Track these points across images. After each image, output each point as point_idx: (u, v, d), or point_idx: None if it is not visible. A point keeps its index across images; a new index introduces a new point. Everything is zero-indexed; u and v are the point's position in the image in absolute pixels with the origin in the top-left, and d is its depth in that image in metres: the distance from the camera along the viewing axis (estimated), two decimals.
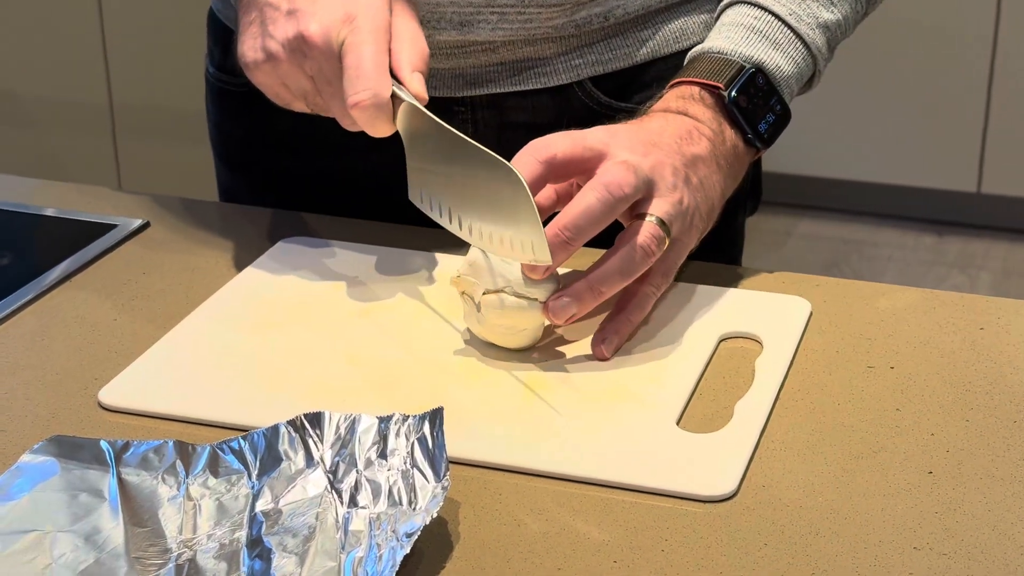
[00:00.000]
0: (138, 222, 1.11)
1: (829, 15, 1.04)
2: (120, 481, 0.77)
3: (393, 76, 0.93)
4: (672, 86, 1.01)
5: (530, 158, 0.91)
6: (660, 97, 1.00)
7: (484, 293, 0.90)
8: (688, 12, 1.12)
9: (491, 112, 1.11)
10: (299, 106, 0.98)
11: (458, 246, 1.06)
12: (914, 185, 3.14)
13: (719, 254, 1.05)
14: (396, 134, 0.95)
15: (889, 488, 0.80)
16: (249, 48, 0.95)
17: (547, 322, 0.91)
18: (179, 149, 2.82)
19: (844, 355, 0.93)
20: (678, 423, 0.85)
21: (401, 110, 0.93)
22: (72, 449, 0.79)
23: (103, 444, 0.79)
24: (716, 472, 0.80)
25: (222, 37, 1.20)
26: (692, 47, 1.11)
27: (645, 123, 0.97)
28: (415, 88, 0.93)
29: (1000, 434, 0.84)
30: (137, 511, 0.76)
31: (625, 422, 0.85)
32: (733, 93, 0.99)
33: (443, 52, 1.07)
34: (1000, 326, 0.96)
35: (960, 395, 0.88)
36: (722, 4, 1.06)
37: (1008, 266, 3.05)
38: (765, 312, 0.96)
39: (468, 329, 0.94)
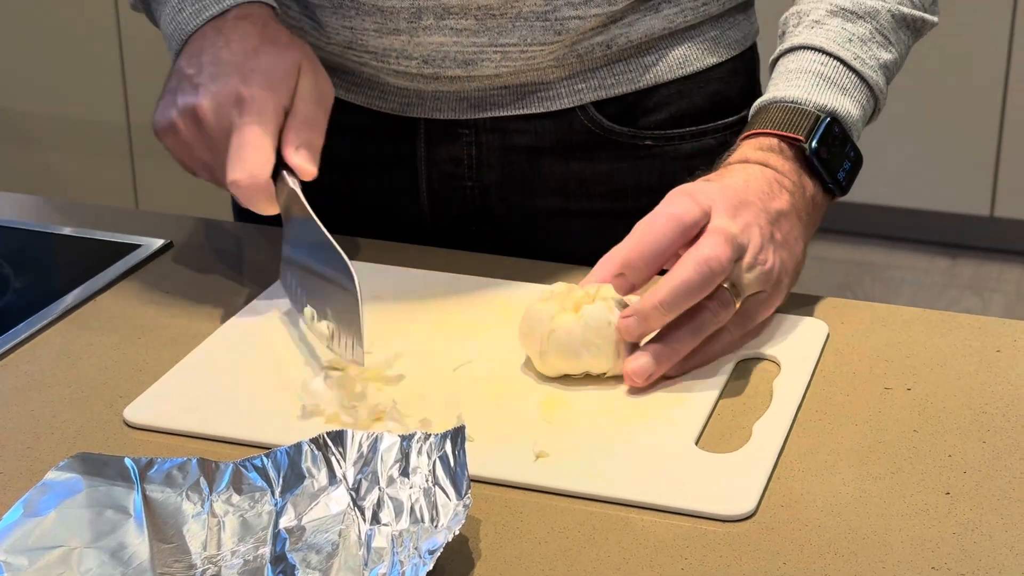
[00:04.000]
0: (160, 242, 1.12)
1: (887, 55, 1.05)
2: (145, 498, 0.78)
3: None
4: (747, 137, 1.01)
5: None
6: (735, 149, 1.01)
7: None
8: (691, 38, 1.12)
9: (495, 135, 1.13)
10: (204, 176, 1.02)
11: (477, 266, 1.07)
12: (927, 208, 3.14)
13: None
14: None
15: (907, 508, 0.80)
16: (158, 113, 1.01)
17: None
18: None
19: (861, 376, 0.93)
20: (697, 443, 0.86)
21: (280, 191, 0.98)
22: (97, 466, 0.79)
23: (127, 461, 0.80)
24: (735, 492, 0.81)
25: None
26: (696, 73, 1.12)
27: (727, 178, 0.97)
28: (297, 162, 0.98)
29: (1017, 455, 0.85)
30: (162, 527, 0.77)
31: (644, 442, 0.86)
32: (814, 144, 0.99)
33: (448, 79, 1.09)
34: (1016, 348, 0.97)
35: (977, 416, 0.89)
36: (781, 48, 1.06)
37: (1021, 289, 3.05)
38: (783, 334, 0.97)
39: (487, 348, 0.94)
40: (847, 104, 1.02)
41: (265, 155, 0.97)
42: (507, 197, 1.14)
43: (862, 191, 3.14)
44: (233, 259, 1.11)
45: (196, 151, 1.00)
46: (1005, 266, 3.12)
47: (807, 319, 0.99)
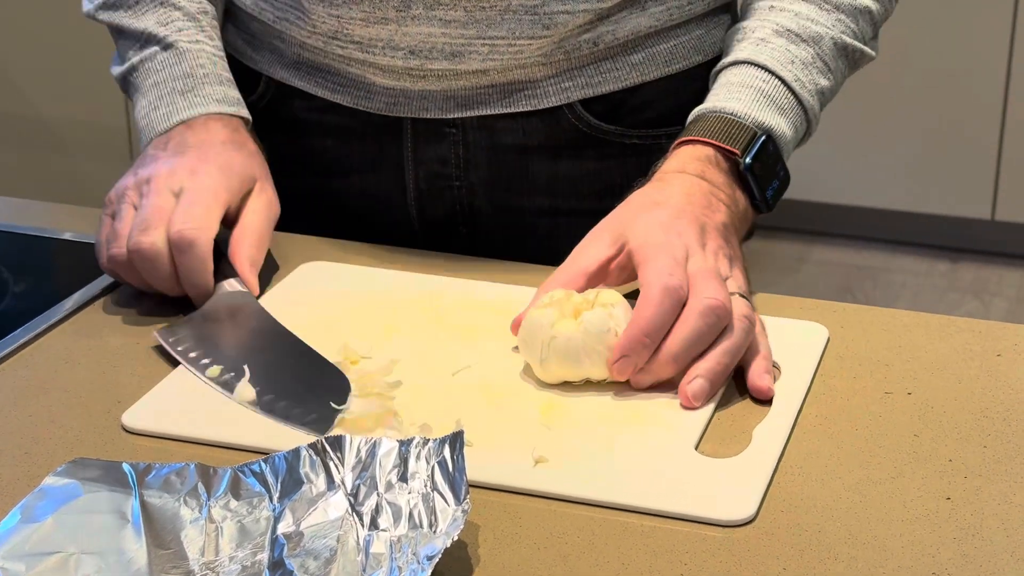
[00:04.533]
0: None
1: (825, 81, 1.07)
2: (143, 503, 0.78)
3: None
4: (683, 143, 1.02)
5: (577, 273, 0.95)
6: (671, 155, 1.02)
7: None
8: (677, 36, 1.13)
9: (482, 134, 1.13)
10: (121, 273, 1.02)
11: (469, 271, 1.07)
12: (928, 212, 3.14)
13: None
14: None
15: (907, 514, 0.80)
16: (116, 185, 1.04)
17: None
18: None
19: (862, 381, 0.93)
20: (697, 448, 0.86)
21: (221, 287, 1.00)
22: (95, 472, 0.79)
23: (125, 467, 0.79)
24: (735, 497, 0.81)
25: None
26: (681, 71, 1.13)
27: (667, 193, 0.98)
28: (249, 280, 1.01)
29: (1018, 460, 0.85)
30: (160, 533, 0.77)
31: (644, 447, 0.85)
32: (748, 160, 1.01)
33: (435, 75, 1.09)
34: (1017, 352, 0.96)
35: (977, 421, 0.89)
36: (726, 60, 1.07)
37: (1022, 293, 3.05)
38: (783, 338, 0.97)
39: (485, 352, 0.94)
40: (783, 124, 1.04)
41: (213, 218, 1.00)
42: (495, 196, 1.14)
43: (863, 194, 3.16)
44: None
45: (140, 211, 1.01)
46: (1006, 270, 3.11)
47: (807, 323, 0.99)
